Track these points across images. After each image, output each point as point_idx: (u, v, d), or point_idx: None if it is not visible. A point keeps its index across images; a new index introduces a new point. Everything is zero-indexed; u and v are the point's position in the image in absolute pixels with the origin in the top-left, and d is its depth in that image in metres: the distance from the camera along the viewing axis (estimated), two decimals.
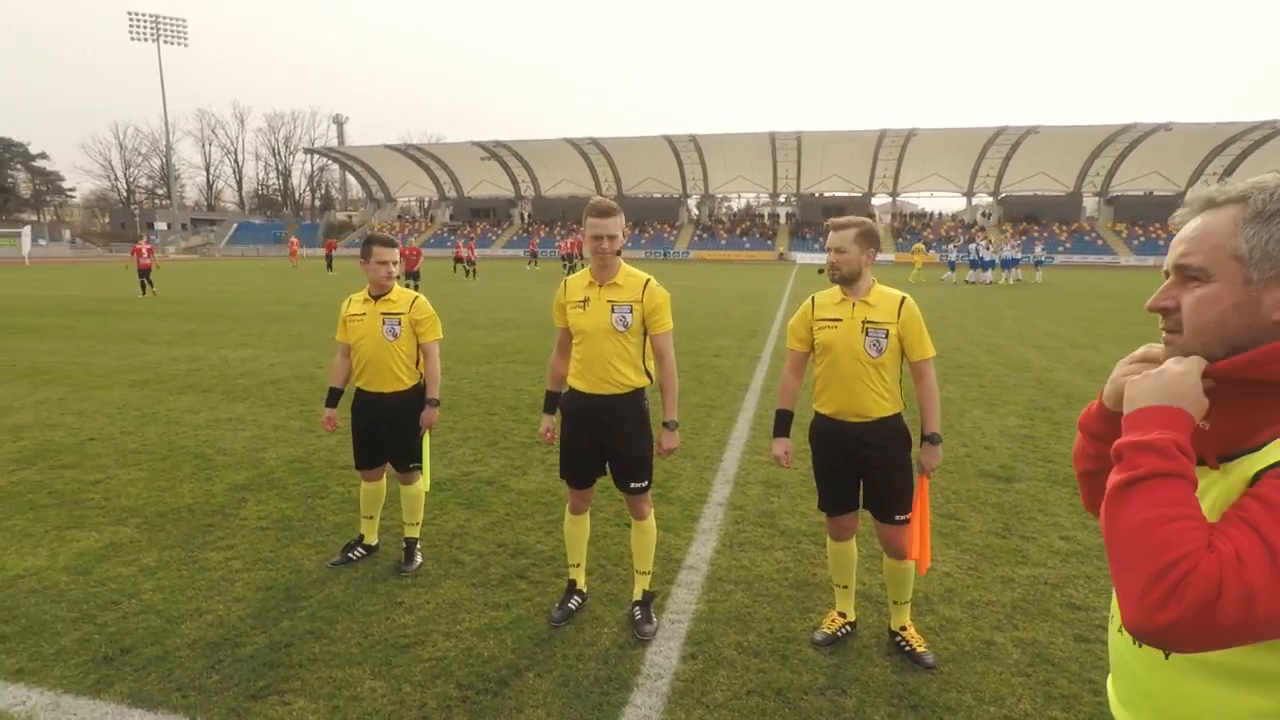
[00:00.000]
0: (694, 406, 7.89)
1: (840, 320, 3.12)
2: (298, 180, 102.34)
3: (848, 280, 3.11)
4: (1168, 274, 1.12)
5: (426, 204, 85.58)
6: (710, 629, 3.47)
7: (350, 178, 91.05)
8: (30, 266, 42.91)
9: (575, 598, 3.62)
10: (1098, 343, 13.07)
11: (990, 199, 71.08)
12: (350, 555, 4.09)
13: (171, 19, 74.45)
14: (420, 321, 4.01)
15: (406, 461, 4.11)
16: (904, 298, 3.10)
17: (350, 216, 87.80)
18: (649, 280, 3.38)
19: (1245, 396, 1.03)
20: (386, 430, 4.03)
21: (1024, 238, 57.05)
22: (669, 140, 68.81)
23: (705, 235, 71.45)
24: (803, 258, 61.15)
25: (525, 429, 6.97)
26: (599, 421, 3.39)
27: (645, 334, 3.38)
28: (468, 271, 32.88)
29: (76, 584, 3.84)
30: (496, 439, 6.64)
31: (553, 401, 3.63)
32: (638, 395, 3.42)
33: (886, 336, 3.05)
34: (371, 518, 4.22)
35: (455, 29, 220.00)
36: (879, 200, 75.23)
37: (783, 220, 75.50)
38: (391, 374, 3.97)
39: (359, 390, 4.07)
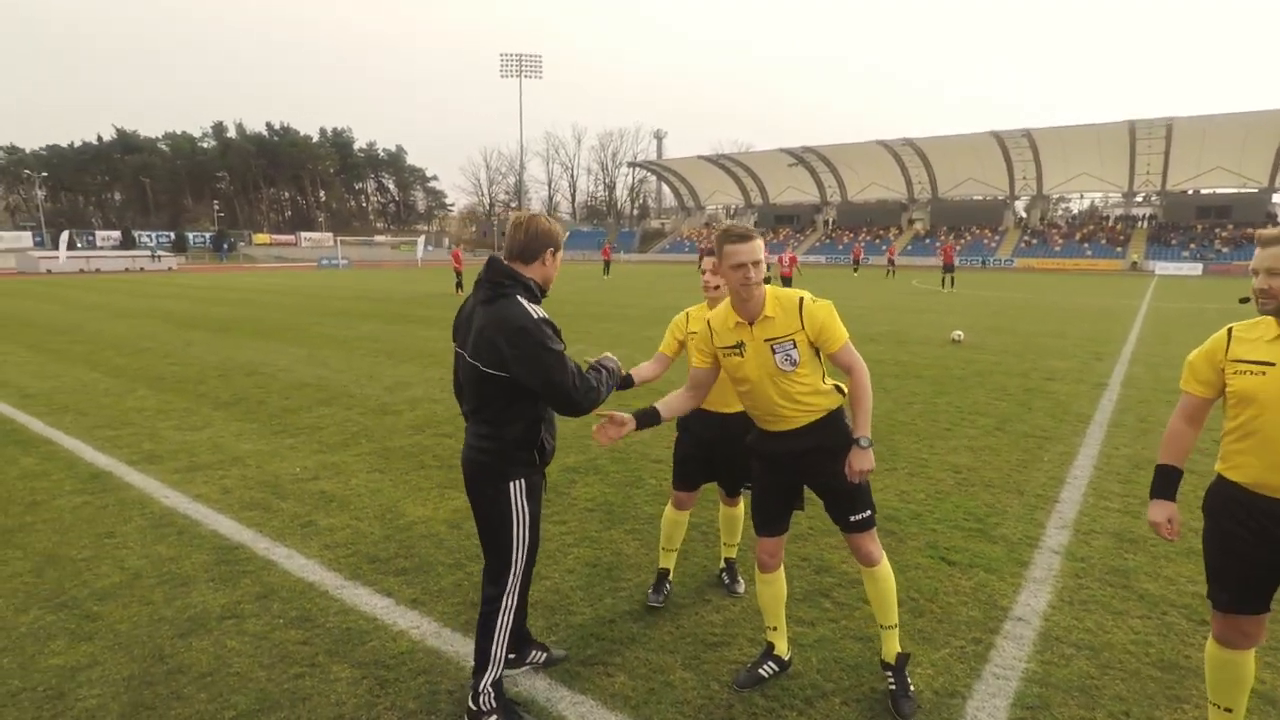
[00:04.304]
0: (1022, 436, 7.04)
1: (1273, 365, 2.36)
2: (620, 192, 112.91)
3: None
4: None
5: (733, 211, 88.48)
6: (1046, 694, 3.05)
7: (665, 188, 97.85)
8: (421, 268, 53.35)
9: (770, 664, 3.16)
10: None
11: None
12: (665, 589, 3.88)
13: (531, 56, 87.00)
14: None
15: (739, 485, 3.86)
16: None
17: (663, 224, 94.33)
18: (802, 300, 2.90)
19: None
20: (724, 451, 3.72)
21: None
22: (996, 136, 62.47)
23: (1035, 241, 63.46)
24: (1163, 267, 51.27)
25: None
26: (791, 456, 3.00)
27: (819, 355, 2.95)
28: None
29: (452, 535, 4.66)
30: None
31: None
32: (832, 418, 2.98)
33: None
34: (675, 550, 3.94)
35: (769, 37, 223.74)
36: None
37: (1140, 223, 63.81)
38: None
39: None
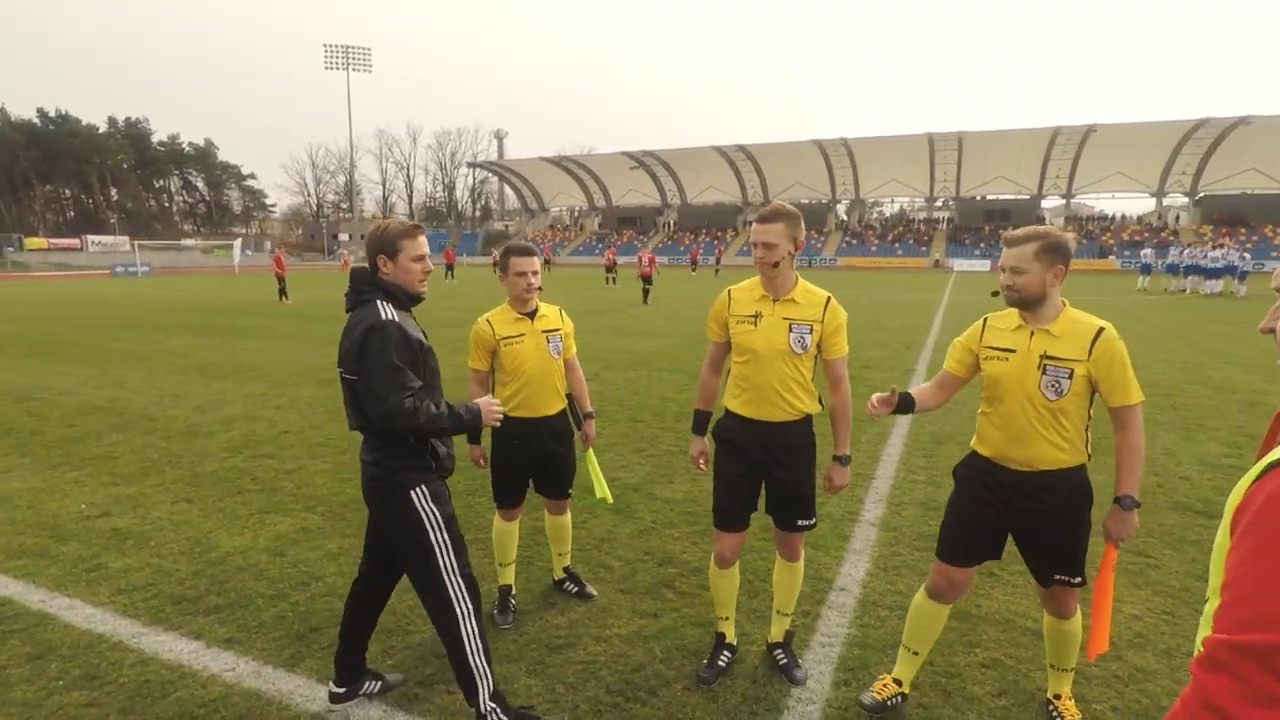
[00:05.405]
0: None
1: (1013, 351, 2.65)
2: (461, 193, 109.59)
3: (1027, 304, 2.64)
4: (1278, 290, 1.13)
5: (577, 213, 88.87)
6: (864, 655, 3.32)
7: (508, 189, 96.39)
8: (240, 274, 48.93)
9: (725, 653, 3.25)
10: None
11: (1185, 199, 63.68)
12: (511, 607, 3.74)
13: (359, 48, 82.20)
14: (569, 335, 3.75)
15: (565, 487, 3.82)
16: (1101, 329, 2.54)
17: (507, 226, 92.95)
18: (830, 299, 3.03)
19: None
20: (544, 454, 3.68)
21: (1227, 242, 50.36)
22: (819, 145, 67.27)
23: (854, 242, 69.07)
24: (960, 264, 57.55)
25: (671, 437, 7.01)
26: (765, 450, 3.08)
27: (816, 357, 3.09)
28: (610, 279, 33.75)
29: (274, 564, 4.29)
30: (642, 446, 6.73)
31: (703, 422, 3.35)
32: (808, 422, 3.12)
33: (1070, 377, 2.53)
34: (512, 563, 3.78)
35: (608, 40, 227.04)
36: (1050, 203, 69.44)
37: (940, 225, 71.36)
38: (556, 394, 3.67)
39: (514, 419, 3.50)
